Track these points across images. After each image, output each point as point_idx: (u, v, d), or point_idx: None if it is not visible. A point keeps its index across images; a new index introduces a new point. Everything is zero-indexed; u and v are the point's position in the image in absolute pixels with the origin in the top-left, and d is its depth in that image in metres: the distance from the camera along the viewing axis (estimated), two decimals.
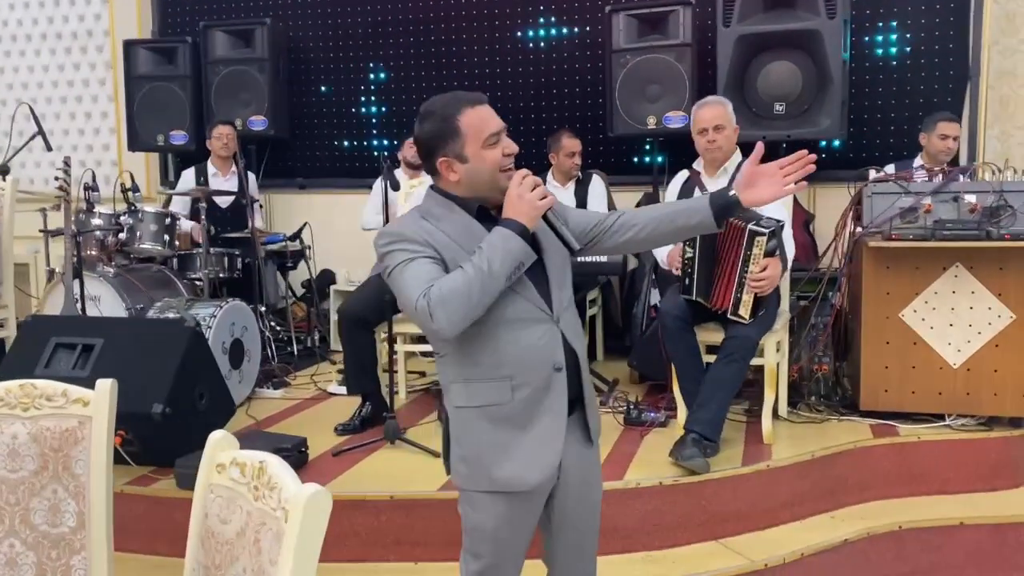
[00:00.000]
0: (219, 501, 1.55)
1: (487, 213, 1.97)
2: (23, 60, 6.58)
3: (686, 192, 3.74)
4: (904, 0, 4.88)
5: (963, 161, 4.85)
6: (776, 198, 1.98)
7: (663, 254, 3.75)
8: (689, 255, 3.50)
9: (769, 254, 3.28)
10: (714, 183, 3.68)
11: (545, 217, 1.92)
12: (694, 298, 3.48)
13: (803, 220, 4.90)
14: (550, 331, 1.94)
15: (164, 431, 3.10)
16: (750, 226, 3.29)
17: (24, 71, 6.59)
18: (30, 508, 1.90)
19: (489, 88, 5.52)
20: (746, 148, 4.39)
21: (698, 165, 3.80)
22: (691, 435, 3.16)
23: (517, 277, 1.86)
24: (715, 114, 3.64)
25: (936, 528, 3.27)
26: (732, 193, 1.98)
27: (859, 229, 3.82)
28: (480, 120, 1.92)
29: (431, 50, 5.66)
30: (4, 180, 4.43)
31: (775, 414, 3.73)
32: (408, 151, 4.79)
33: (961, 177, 3.75)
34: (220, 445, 1.60)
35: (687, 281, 3.51)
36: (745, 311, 3.34)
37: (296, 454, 3.25)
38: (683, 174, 3.85)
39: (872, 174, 4.64)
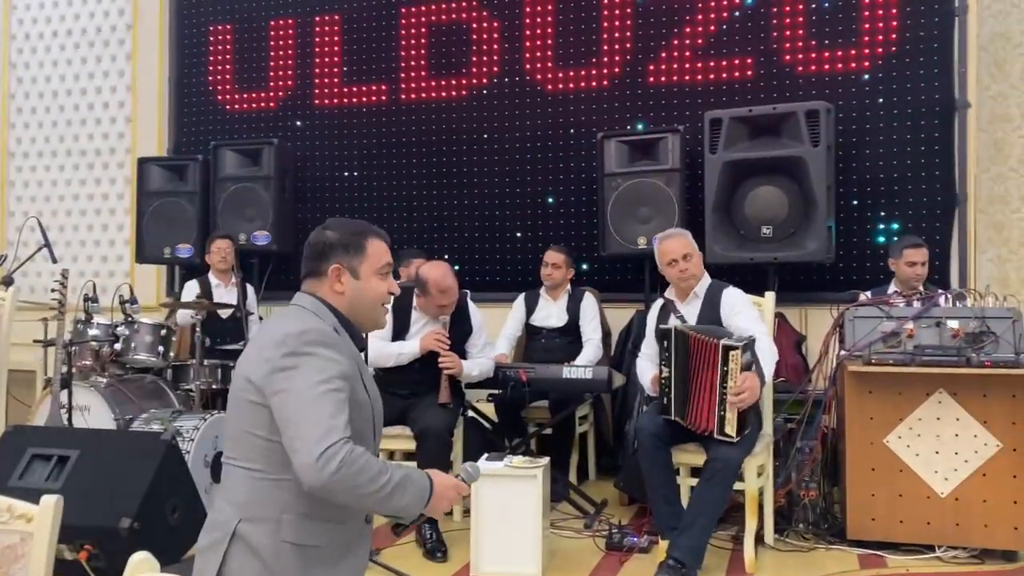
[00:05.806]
0: None
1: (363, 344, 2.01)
2: (47, 175, 6.86)
3: (663, 318, 3.76)
4: (888, 128, 4.99)
5: (955, 284, 4.86)
6: None
7: (647, 379, 3.74)
8: (665, 375, 3.51)
9: (745, 368, 3.27)
10: (687, 308, 3.72)
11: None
12: (672, 418, 3.46)
13: (795, 341, 4.89)
14: None
15: (132, 546, 3.04)
16: (723, 341, 3.29)
17: (47, 185, 6.85)
18: None
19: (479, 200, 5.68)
20: (734, 269, 4.54)
21: (670, 293, 3.83)
22: (668, 561, 3.07)
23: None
24: (681, 244, 3.71)
25: None
26: None
27: (843, 352, 3.81)
28: (381, 250, 2.05)
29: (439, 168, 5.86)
30: (6, 291, 4.54)
31: (761, 541, 3.64)
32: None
33: (944, 301, 3.74)
34: (140, 567, 1.59)
35: (664, 400, 3.50)
36: (731, 428, 3.29)
37: None
38: (659, 302, 3.88)
39: (861, 296, 4.67)
